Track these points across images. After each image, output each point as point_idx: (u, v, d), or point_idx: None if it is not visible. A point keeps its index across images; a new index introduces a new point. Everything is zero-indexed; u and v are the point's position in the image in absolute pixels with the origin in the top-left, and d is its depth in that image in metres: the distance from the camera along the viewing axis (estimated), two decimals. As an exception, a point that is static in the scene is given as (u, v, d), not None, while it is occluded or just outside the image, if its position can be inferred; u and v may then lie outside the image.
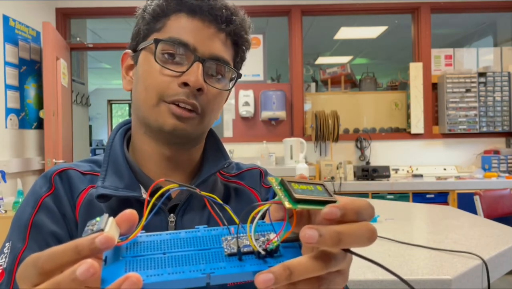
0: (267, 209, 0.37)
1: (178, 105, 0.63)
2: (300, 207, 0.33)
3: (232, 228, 0.36)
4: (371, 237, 0.33)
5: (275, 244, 0.34)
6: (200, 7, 0.64)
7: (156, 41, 0.63)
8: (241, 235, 0.35)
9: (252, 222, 0.35)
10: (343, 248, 0.33)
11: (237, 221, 0.36)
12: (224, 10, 0.65)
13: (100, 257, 0.31)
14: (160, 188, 0.67)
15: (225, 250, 0.34)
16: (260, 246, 0.34)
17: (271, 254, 0.35)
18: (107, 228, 0.31)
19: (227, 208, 0.38)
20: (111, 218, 0.32)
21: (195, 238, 0.35)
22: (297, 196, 0.33)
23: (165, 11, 0.65)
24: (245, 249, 0.34)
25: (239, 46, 0.70)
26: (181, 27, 0.64)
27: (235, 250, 0.34)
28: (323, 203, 0.34)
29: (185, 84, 0.62)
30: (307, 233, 0.30)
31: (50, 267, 0.30)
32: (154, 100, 0.64)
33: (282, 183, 0.35)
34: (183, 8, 0.65)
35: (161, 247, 0.34)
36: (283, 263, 0.32)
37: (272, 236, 0.36)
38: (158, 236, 0.35)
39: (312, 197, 0.34)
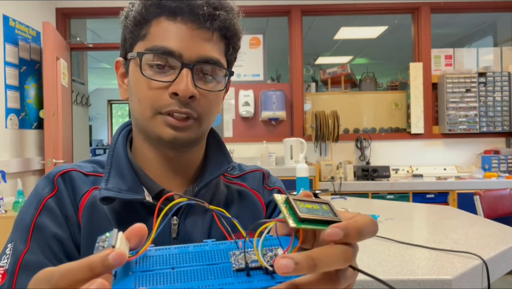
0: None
1: (172, 116, 0.62)
2: (304, 226, 0.33)
3: (240, 242, 0.36)
4: (346, 258, 0.33)
5: None
6: (180, 8, 0.61)
7: (140, 55, 0.62)
8: (249, 250, 0.35)
9: (259, 236, 0.36)
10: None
11: (244, 235, 0.36)
12: (205, 7, 0.61)
13: (110, 272, 0.32)
14: (163, 190, 0.67)
15: (233, 265, 0.34)
16: (267, 261, 0.34)
17: None
18: (118, 243, 0.31)
19: (236, 222, 0.38)
20: (121, 233, 0.33)
21: (203, 252, 0.35)
22: (302, 215, 0.33)
23: (145, 18, 0.63)
24: (253, 265, 0.34)
25: (229, 38, 0.67)
26: (164, 32, 0.62)
27: (243, 266, 0.34)
28: (328, 222, 0.34)
29: (175, 94, 0.61)
30: (282, 263, 0.30)
31: (64, 285, 0.30)
32: (149, 113, 0.63)
33: (287, 201, 0.35)
34: (163, 12, 0.62)
35: (170, 262, 0.34)
36: (292, 280, 0.32)
37: (279, 251, 0.36)
38: (167, 250, 0.35)
39: (317, 216, 0.34)
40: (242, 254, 0.35)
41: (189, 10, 0.61)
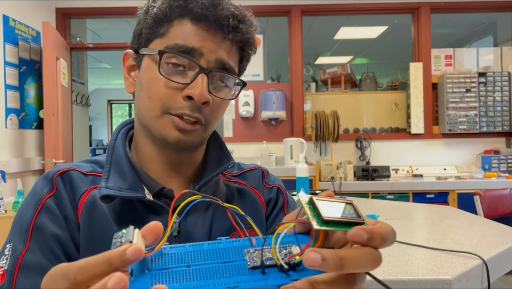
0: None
1: (182, 118, 0.62)
2: (327, 228, 0.33)
3: (254, 240, 0.37)
4: (375, 263, 0.33)
5: (298, 259, 0.35)
6: (206, 16, 0.61)
7: (161, 53, 0.61)
8: (263, 247, 0.35)
9: (273, 234, 0.36)
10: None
11: (260, 234, 0.36)
12: (230, 19, 0.62)
13: (126, 270, 0.32)
14: (163, 188, 0.67)
15: (248, 263, 0.35)
16: (282, 259, 0.35)
17: (294, 268, 0.35)
18: (135, 239, 0.32)
19: (249, 219, 0.39)
20: (137, 229, 0.33)
21: (218, 250, 0.36)
22: (326, 217, 0.33)
23: (168, 17, 0.63)
24: (268, 262, 0.34)
25: (245, 51, 0.68)
26: (186, 33, 0.62)
27: (257, 263, 0.34)
28: (351, 224, 0.34)
29: (190, 97, 0.61)
30: (310, 256, 0.31)
31: (82, 279, 0.31)
32: (158, 112, 0.63)
33: (311, 202, 0.35)
34: (187, 14, 0.62)
35: (185, 260, 0.34)
36: (308, 278, 0.32)
37: (294, 248, 0.36)
38: (181, 248, 0.35)
39: (341, 218, 0.34)
40: (257, 251, 0.35)
41: (214, 19, 0.62)
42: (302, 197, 0.36)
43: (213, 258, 0.35)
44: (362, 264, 0.32)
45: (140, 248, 0.30)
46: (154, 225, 0.34)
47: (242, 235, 0.38)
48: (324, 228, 0.33)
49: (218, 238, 0.37)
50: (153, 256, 0.34)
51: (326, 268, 0.31)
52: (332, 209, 0.35)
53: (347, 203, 0.36)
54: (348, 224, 0.34)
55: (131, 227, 0.33)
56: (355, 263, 0.32)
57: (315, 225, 0.33)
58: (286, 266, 0.34)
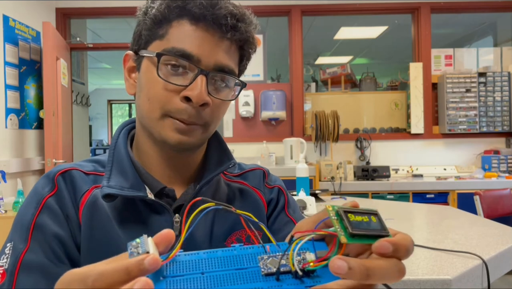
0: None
1: (181, 120, 0.62)
2: (354, 242, 0.34)
3: (267, 246, 0.37)
4: (399, 275, 0.33)
5: (312, 266, 0.35)
6: (204, 15, 0.61)
7: (159, 56, 0.61)
8: (276, 254, 0.36)
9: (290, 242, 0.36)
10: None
11: (274, 241, 0.37)
12: (229, 18, 0.62)
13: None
14: (164, 188, 0.67)
15: (262, 269, 0.35)
16: (297, 265, 0.35)
17: (308, 274, 0.35)
18: (151, 249, 0.33)
19: (262, 225, 0.39)
20: (150, 238, 0.34)
21: (232, 256, 0.36)
22: (353, 231, 0.34)
23: (166, 18, 0.63)
24: (282, 269, 0.35)
25: (245, 50, 0.68)
26: (184, 35, 0.62)
27: (272, 270, 0.35)
28: (376, 237, 0.34)
29: (188, 99, 0.61)
30: (337, 263, 0.31)
31: (100, 286, 0.32)
32: (158, 114, 0.63)
33: (338, 214, 0.35)
34: (186, 15, 0.62)
35: (199, 267, 0.35)
36: (323, 285, 0.32)
37: (308, 255, 0.36)
38: (195, 255, 0.36)
39: (367, 232, 0.34)
40: (270, 258, 0.35)
41: (213, 19, 0.61)
42: (330, 208, 0.36)
43: (227, 265, 0.35)
44: (388, 275, 0.32)
45: (158, 258, 0.31)
46: (167, 232, 0.35)
47: (248, 233, 0.38)
48: (351, 242, 0.33)
49: (232, 245, 0.37)
50: (167, 263, 0.34)
51: (352, 276, 0.31)
52: (359, 221, 0.35)
53: (372, 214, 0.36)
54: (374, 237, 0.34)
55: (145, 236, 0.34)
56: (381, 274, 0.32)
57: (343, 239, 0.33)
58: (300, 273, 0.34)
